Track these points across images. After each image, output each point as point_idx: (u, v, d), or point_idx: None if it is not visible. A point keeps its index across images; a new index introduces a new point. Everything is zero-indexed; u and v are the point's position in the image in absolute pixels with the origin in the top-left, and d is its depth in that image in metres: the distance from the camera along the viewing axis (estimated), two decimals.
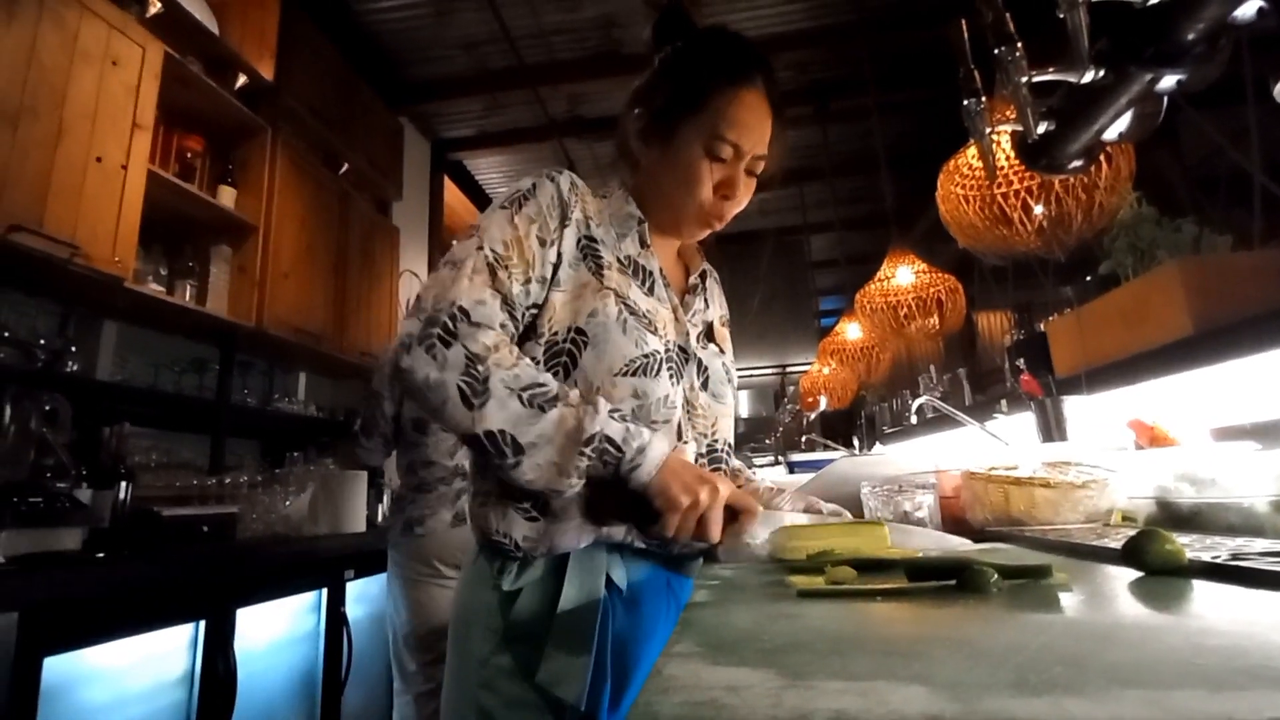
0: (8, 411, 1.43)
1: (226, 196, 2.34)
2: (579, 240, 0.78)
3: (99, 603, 1.27)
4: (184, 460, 2.25)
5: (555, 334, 0.74)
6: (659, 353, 0.76)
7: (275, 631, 1.74)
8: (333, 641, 1.92)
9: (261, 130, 2.46)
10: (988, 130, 0.88)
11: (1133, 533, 0.55)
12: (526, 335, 0.76)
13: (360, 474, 2.18)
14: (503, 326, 0.70)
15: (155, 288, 2.09)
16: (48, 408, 1.51)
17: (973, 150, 1.75)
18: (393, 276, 3.30)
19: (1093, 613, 0.40)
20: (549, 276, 0.75)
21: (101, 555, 1.39)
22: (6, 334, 1.66)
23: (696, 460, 0.80)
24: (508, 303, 0.71)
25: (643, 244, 0.84)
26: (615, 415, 0.67)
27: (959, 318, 2.51)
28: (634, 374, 0.74)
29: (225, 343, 2.40)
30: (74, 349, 1.86)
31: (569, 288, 0.76)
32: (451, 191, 4.25)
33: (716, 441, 0.83)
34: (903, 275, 2.61)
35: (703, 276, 0.91)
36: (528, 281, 0.73)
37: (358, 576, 2.02)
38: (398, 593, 1.59)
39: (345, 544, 1.96)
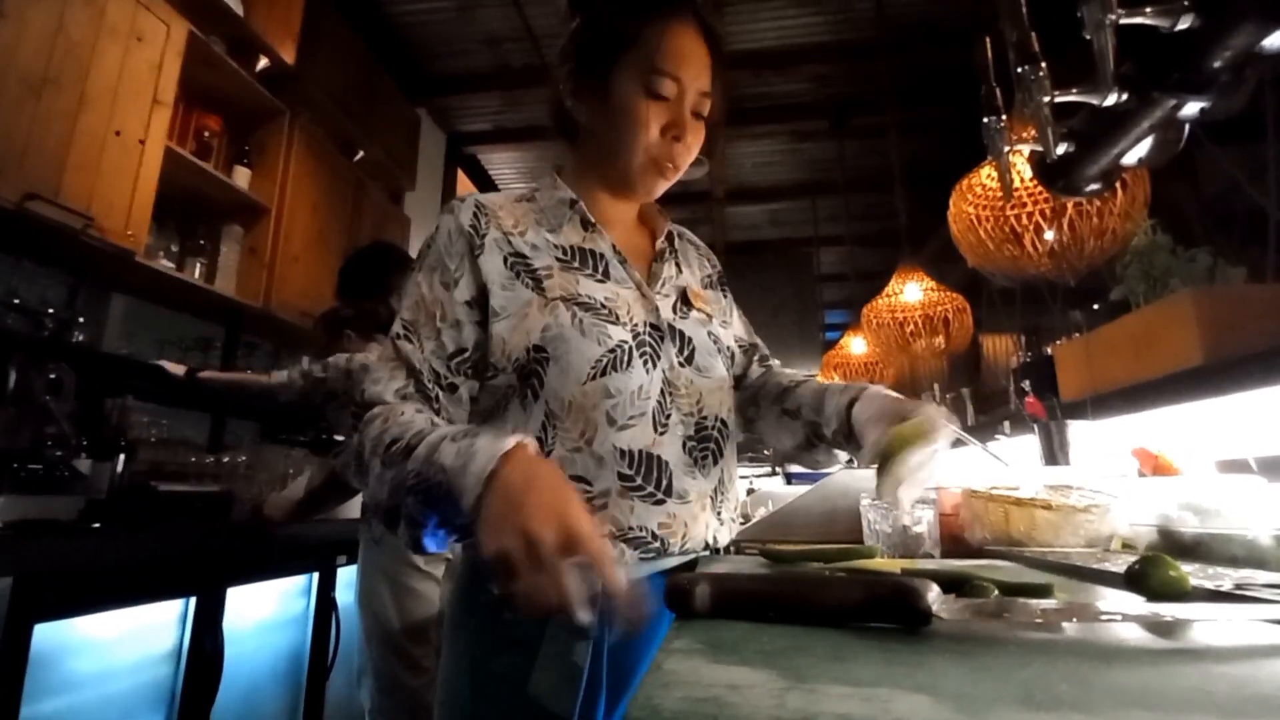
0: (12, 378, 1.43)
1: (241, 177, 2.35)
2: (505, 260, 0.73)
3: (92, 573, 1.27)
4: (183, 437, 2.26)
5: (516, 360, 0.71)
6: (626, 342, 0.72)
7: (264, 612, 1.74)
8: (321, 626, 1.92)
9: (280, 114, 2.47)
10: (1006, 149, 0.87)
11: (1134, 558, 0.54)
12: (481, 375, 0.73)
13: None
14: (404, 397, 0.68)
15: (165, 264, 2.10)
16: (52, 376, 1.52)
17: (987, 170, 1.75)
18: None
19: (1096, 634, 0.40)
20: (464, 318, 0.71)
21: (97, 526, 1.39)
22: (16, 301, 1.67)
23: (685, 446, 0.73)
24: (412, 371, 0.69)
25: (585, 226, 0.79)
26: (459, 437, 0.58)
27: (965, 338, 2.50)
28: (602, 374, 0.70)
29: (231, 322, 2.41)
30: (82, 320, 1.86)
31: (511, 311, 0.71)
32: (464, 185, 4.26)
33: (705, 419, 0.76)
34: (911, 292, 2.61)
35: (670, 239, 0.86)
36: (438, 334, 0.71)
37: (349, 562, 2.02)
38: (384, 591, 1.57)
39: (339, 529, 1.95)
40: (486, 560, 0.50)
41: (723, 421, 0.78)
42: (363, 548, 1.66)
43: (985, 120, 0.89)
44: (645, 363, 0.73)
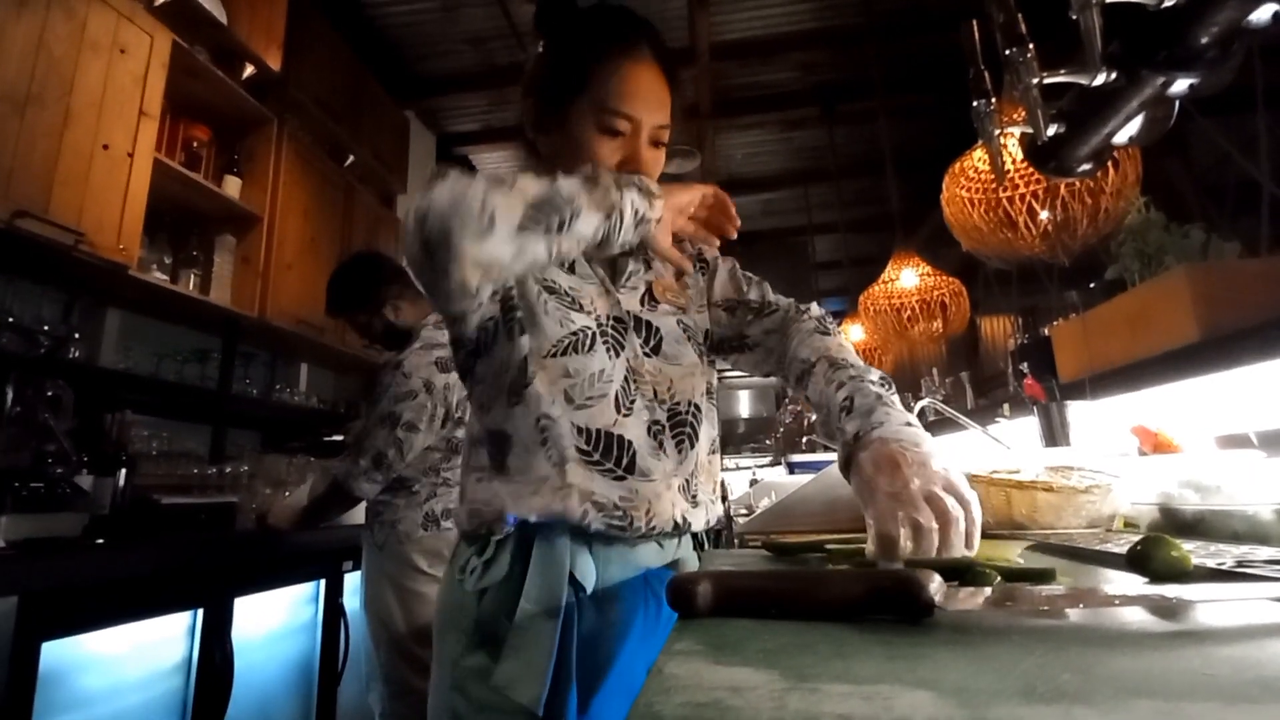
0: (9, 397, 1.43)
1: (232, 187, 2.34)
2: None
3: (98, 589, 1.27)
4: (185, 449, 2.26)
5: (509, 309, 0.75)
6: (589, 329, 0.75)
7: (273, 622, 1.75)
8: (330, 633, 1.93)
9: (268, 121, 2.46)
10: (996, 132, 0.87)
11: (1136, 538, 0.54)
12: (478, 353, 0.78)
13: None
14: None
15: (159, 276, 2.09)
16: (50, 394, 1.51)
17: (979, 153, 1.75)
18: None
19: (1098, 619, 0.40)
20: None
21: (101, 542, 1.39)
22: (11, 319, 1.66)
23: (650, 429, 0.75)
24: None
25: None
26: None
27: (962, 321, 2.50)
28: (563, 353, 0.74)
29: (228, 332, 2.40)
30: (77, 336, 1.86)
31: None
32: None
33: (679, 404, 0.78)
34: (907, 278, 2.61)
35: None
36: None
37: (356, 568, 2.02)
38: (389, 595, 1.57)
39: (343, 536, 1.95)
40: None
41: (695, 406, 0.80)
42: (366, 553, 1.66)
43: (974, 104, 0.88)
44: (608, 350, 0.76)
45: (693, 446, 0.78)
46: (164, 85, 2.00)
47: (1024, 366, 1.33)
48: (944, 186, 1.75)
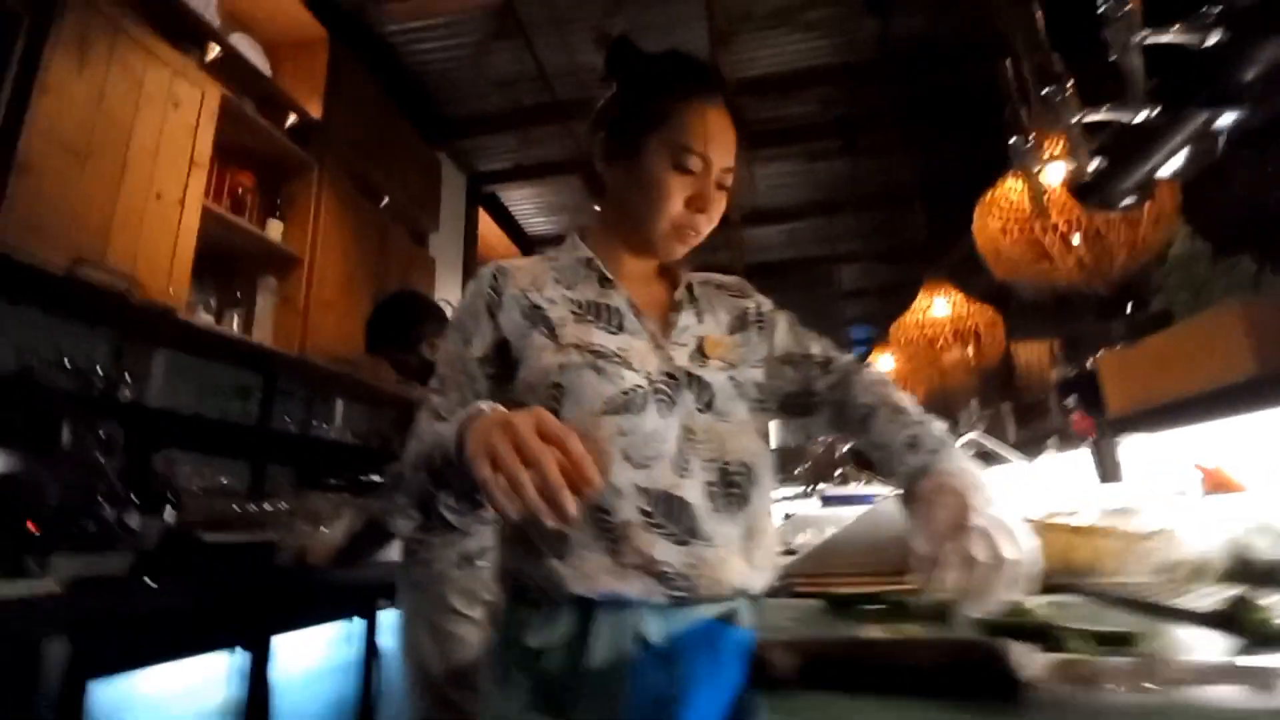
0: (66, 437, 1.48)
1: (274, 230, 2.42)
2: (522, 312, 0.79)
3: (144, 627, 1.29)
4: (224, 485, 2.30)
5: (532, 397, 0.74)
6: (641, 387, 0.74)
7: (311, 660, 1.75)
8: (369, 672, 1.92)
9: (309, 166, 2.55)
10: (1036, 169, 0.87)
11: (1213, 589, 0.52)
12: None
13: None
14: None
15: (205, 317, 2.16)
16: (103, 434, 1.56)
17: (1010, 183, 1.74)
18: None
19: (1198, 695, 0.38)
20: (478, 373, 0.78)
21: (149, 580, 1.41)
22: (65, 361, 1.73)
23: (708, 491, 0.72)
24: (439, 418, 0.75)
25: (602, 282, 0.83)
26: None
27: (997, 350, 2.46)
28: (616, 412, 0.72)
29: (268, 370, 2.46)
30: (128, 376, 1.92)
31: (529, 356, 0.77)
32: (486, 223, 4.34)
33: (729, 464, 0.75)
34: (939, 306, 2.58)
35: (690, 289, 0.87)
36: (460, 387, 0.78)
37: (391, 606, 2.02)
38: (424, 637, 1.56)
39: (381, 573, 1.96)
40: (477, 481, 0.52)
41: (747, 465, 0.77)
42: (401, 593, 1.66)
43: (1012, 140, 0.88)
44: (660, 408, 0.74)
45: (749, 507, 0.76)
46: (214, 136, 2.09)
47: (1070, 400, 1.30)
48: (975, 216, 1.74)
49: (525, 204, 4.64)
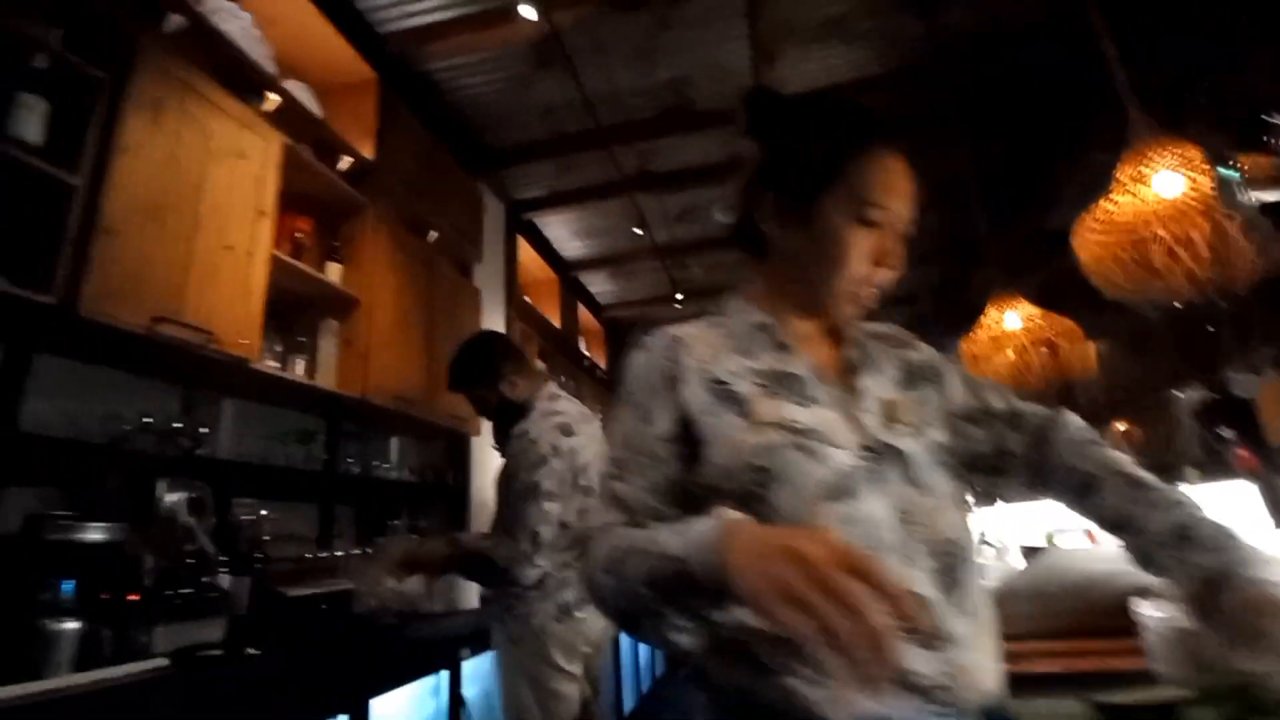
0: (163, 502, 1.46)
1: (334, 272, 2.41)
2: (707, 387, 0.73)
3: (255, 701, 1.25)
4: (293, 531, 2.27)
5: (734, 482, 0.67)
6: (848, 465, 0.67)
7: (404, 717, 1.70)
8: None
9: (363, 207, 2.55)
10: (1241, 200, 0.80)
11: None
12: (687, 504, 0.70)
13: None
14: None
15: (272, 364, 2.15)
16: (193, 496, 1.54)
17: (1110, 202, 1.66)
18: None
19: None
20: (665, 453, 0.72)
21: (251, 649, 1.37)
22: (149, 421, 1.71)
23: (935, 580, 0.64)
24: (625, 507, 0.70)
25: (778, 347, 0.76)
26: (673, 525, 0.61)
27: (1083, 365, 2.35)
28: (834, 498, 0.65)
29: (332, 413, 2.45)
30: (205, 431, 1.91)
31: (721, 434, 0.70)
32: (525, 250, 4.34)
33: (939, 545, 0.66)
34: (1010, 320, 2.49)
35: (859, 345, 0.80)
36: (644, 470, 0.72)
37: (472, 655, 1.98)
38: (525, 693, 1.51)
39: (460, 625, 1.92)
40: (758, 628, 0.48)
41: (958, 544, 0.69)
42: (500, 649, 1.61)
43: (1220, 171, 0.82)
44: (872, 488, 0.67)
45: (973, 592, 0.68)
46: (278, 184, 2.09)
47: (1227, 431, 1.22)
48: (1074, 233, 1.67)
49: (561, 229, 4.63)
